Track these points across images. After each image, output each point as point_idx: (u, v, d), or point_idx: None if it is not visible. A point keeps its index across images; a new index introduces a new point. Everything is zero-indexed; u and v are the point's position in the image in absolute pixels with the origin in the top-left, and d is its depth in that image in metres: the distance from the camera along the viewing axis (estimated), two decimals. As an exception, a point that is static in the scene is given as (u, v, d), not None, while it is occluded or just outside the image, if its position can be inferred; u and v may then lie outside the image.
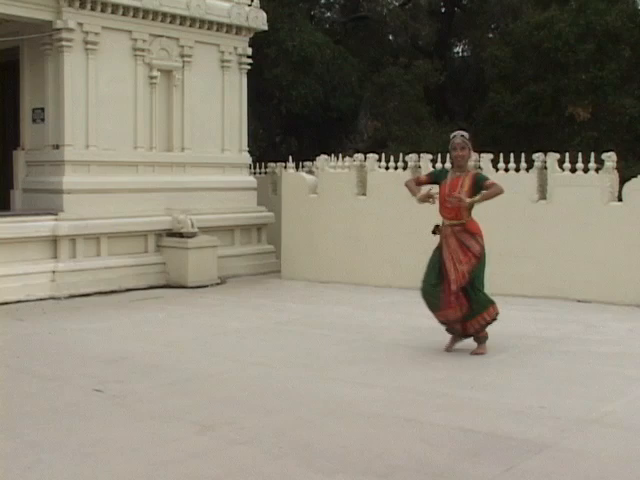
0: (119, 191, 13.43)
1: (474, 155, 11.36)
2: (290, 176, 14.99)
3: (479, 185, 8.18)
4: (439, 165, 12.89)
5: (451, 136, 8.51)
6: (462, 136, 8.41)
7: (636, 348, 8.68)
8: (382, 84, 21.84)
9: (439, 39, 25.06)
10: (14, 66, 13.73)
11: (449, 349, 8.41)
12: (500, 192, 8.12)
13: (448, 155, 8.85)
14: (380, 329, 9.74)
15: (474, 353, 8.27)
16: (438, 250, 8.40)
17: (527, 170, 12.26)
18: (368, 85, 22.10)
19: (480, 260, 8.22)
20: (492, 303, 8.38)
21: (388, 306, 11.48)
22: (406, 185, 8.72)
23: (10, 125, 14.04)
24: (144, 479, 4.93)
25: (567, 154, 12.07)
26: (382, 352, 8.54)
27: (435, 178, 8.58)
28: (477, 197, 8.11)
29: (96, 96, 13.20)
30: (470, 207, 8.20)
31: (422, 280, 8.43)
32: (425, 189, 8.57)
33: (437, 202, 8.38)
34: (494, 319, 8.39)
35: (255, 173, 17.24)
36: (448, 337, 8.56)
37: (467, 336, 8.39)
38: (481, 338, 8.38)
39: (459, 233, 8.22)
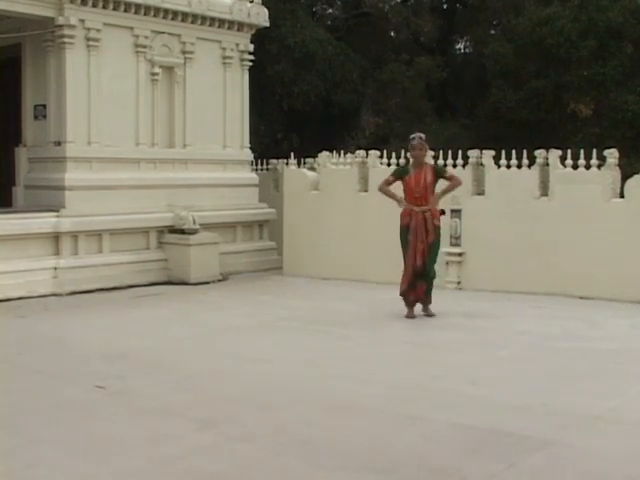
0: (121, 188, 13.41)
1: (474, 151, 12.81)
2: (292, 173, 14.98)
3: (439, 174, 10.07)
4: (441, 162, 12.98)
5: (410, 137, 10.09)
6: (420, 137, 10.00)
7: (638, 345, 8.68)
8: (384, 80, 21.79)
9: (441, 35, 24.98)
10: (16, 63, 13.73)
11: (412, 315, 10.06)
12: (459, 184, 10.23)
13: (409, 153, 10.33)
14: (381, 325, 9.75)
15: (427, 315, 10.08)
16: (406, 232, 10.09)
17: (529, 167, 12.26)
18: (370, 81, 22.06)
19: (438, 237, 10.06)
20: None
21: (390, 302, 11.46)
22: (383, 192, 10.32)
23: (12, 122, 14.03)
24: (145, 475, 4.93)
25: (569, 151, 12.05)
26: (383, 348, 8.54)
27: (399, 175, 10.23)
28: (439, 193, 9.99)
29: (98, 93, 13.20)
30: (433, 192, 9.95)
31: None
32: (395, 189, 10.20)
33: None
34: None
35: (257, 170, 17.21)
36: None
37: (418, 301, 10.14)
38: (426, 301, 10.18)
39: (428, 218, 9.90)
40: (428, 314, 10.13)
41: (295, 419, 6.01)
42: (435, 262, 10.23)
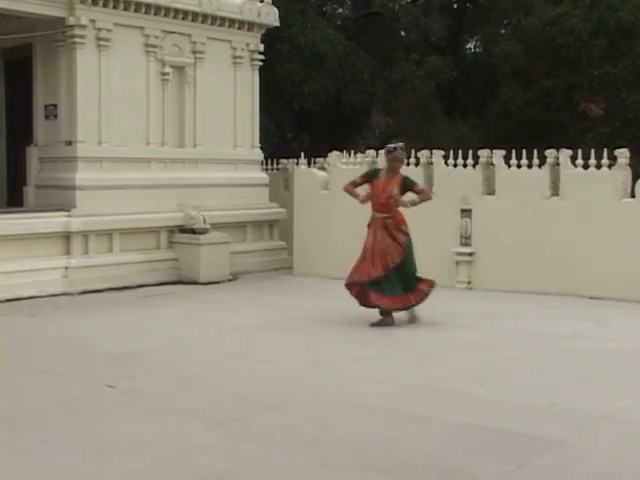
0: (131, 187, 13.45)
1: (485, 151, 12.69)
2: (302, 172, 14.98)
3: (407, 187, 9.81)
4: (451, 161, 13.00)
5: (391, 147, 9.98)
6: (401, 148, 9.94)
7: (648, 345, 8.66)
8: (394, 80, 21.77)
9: (451, 35, 24.96)
10: (27, 63, 13.78)
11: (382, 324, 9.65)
12: (429, 198, 10.10)
13: (387, 159, 10.02)
14: (389, 326, 9.73)
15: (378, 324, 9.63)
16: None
17: (539, 166, 12.23)
18: (380, 81, 22.04)
19: (405, 247, 9.67)
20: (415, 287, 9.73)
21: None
22: (346, 190, 10.12)
23: (23, 122, 14.08)
24: (154, 475, 4.94)
25: (580, 150, 12.01)
26: (392, 348, 8.54)
27: (369, 177, 10.05)
28: (415, 200, 9.77)
29: (108, 92, 13.23)
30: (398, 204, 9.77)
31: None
32: (362, 190, 10.06)
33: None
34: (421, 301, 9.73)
35: (267, 169, 17.23)
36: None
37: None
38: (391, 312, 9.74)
39: (389, 225, 9.69)
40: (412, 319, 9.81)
41: (303, 419, 6.01)
42: (413, 267, 9.77)
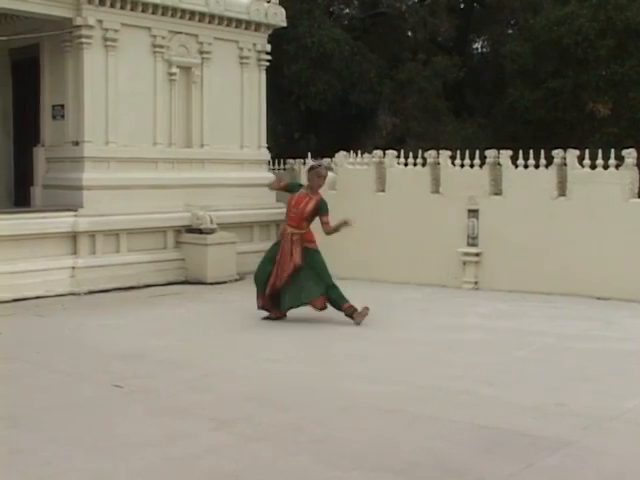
0: (138, 187, 13.45)
1: (492, 151, 12.53)
2: (309, 172, 14.97)
3: (320, 211, 9.93)
4: (458, 162, 13.00)
5: (317, 164, 10.39)
6: (326, 167, 10.43)
7: (656, 345, 8.63)
8: (401, 80, 21.77)
9: (458, 35, 24.95)
10: (34, 63, 13.79)
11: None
12: (325, 233, 10.08)
13: (308, 176, 10.28)
14: (397, 325, 9.74)
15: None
16: (277, 246, 10.11)
17: (546, 167, 12.21)
18: (387, 81, 22.04)
19: (312, 260, 9.93)
20: (323, 295, 9.94)
21: (405, 303, 11.47)
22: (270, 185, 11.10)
23: (30, 122, 14.10)
24: (161, 474, 4.95)
25: (587, 150, 11.99)
26: (399, 348, 8.54)
27: (290, 188, 10.45)
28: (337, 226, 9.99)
29: (115, 93, 13.24)
30: (310, 221, 9.99)
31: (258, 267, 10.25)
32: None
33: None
34: (323, 308, 9.97)
35: (274, 169, 17.22)
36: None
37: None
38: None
39: (296, 241, 9.84)
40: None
41: (310, 419, 6.01)
42: (322, 281, 10.01)
